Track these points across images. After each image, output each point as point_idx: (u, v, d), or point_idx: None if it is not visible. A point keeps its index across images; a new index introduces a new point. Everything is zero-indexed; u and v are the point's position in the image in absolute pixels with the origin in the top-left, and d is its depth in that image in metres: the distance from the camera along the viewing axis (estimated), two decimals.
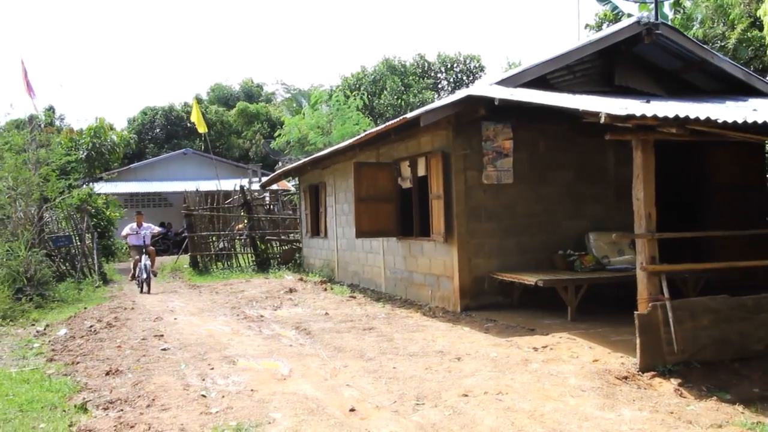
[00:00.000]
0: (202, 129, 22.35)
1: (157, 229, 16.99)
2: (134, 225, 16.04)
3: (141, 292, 14.87)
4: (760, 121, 5.91)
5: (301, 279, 15.89)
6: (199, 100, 48.16)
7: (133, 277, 15.81)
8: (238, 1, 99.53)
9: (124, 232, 16.25)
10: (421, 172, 11.35)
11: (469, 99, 8.88)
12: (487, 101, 8.91)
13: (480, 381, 5.94)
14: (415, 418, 5.03)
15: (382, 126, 10.50)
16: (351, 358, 7.23)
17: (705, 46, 10.74)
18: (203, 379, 6.61)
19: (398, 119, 9.80)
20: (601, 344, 7.32)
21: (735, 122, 5.87)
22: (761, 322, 6.71)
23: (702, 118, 5.78)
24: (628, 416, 4.78)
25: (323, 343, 8.12)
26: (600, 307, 9.48)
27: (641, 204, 6.48)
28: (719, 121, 5.84)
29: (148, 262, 15.09)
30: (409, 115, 9.30)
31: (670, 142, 6.68)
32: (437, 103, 9.66)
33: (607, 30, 10.80)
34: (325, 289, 13.92)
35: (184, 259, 21.30)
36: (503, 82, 9.29)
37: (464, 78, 38.48)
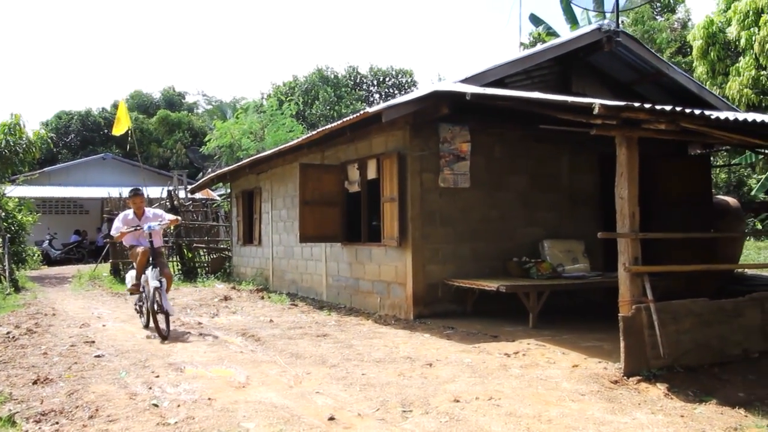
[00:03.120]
0: (125, 127, 20.71)
1: (170, 217, 9.65)
2: (130, 214, 9.39)
3: (146, 326, 9.25)
4: (750, 120, 5.76)
5: (233, 288, 15.11)
6: (117, 107, 46.35)
7: (140, 311, 9.56)
8: (159, 7, 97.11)
9: (117, 228, 9.31)
10: (371, 174, 10.91)
11: (434, 95, 8.51)
12: (451, 99, 8.58)
13: (464, 387, 5.50)
14: (407, 426, 4.53)
15: (338, 122, 10.00)
16: (312, 365, 6.66)
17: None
18: (150, 388, 5.91)
19: (358, 114, 9.32)
20: (574, 350, 7.04)
21: (726, 119, 5.70)
22: (739, 326, 6.58)
23: (696, 113, 5.57)
24: (645, 420, 4.44)
25: (277, 349, 7.51)
26: (556, 315, 9.25)
27: (625, 203, 6.23)
28: (712, 117, 5.66)
29: (162, 281, 8.74)
30: (371, 109, 8.85)
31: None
32: (400, 99, 9.24)
33: (567, 36, 10.71)
34: (262, 298, 13.23)
35: (103, 268, 20.08)
36: (467, 81, 8.99)
37: (395, 92, 38.41)
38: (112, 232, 9.38)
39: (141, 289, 9.21)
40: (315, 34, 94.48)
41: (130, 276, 9.54)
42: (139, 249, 9.04)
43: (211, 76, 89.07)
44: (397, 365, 6.52)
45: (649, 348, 6.00)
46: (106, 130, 46.20)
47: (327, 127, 10.37)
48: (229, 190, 20.68)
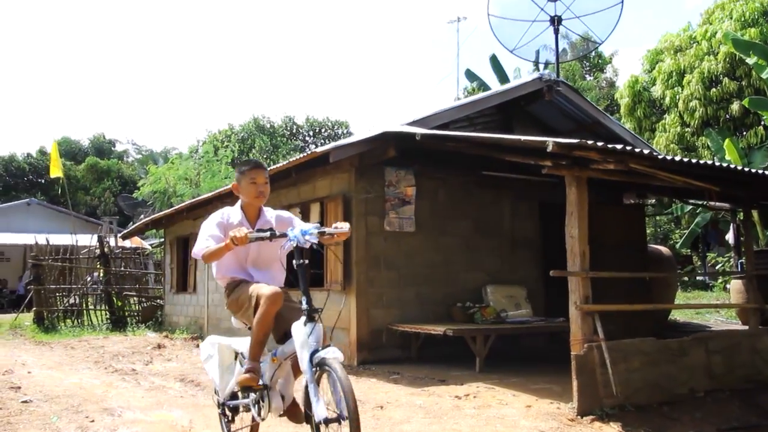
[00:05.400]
0: (56, 173, 20.43)
1: (320, 228, 4.23)
2: (234, 214, 4.50)
3: None
4: (694, 162, 5.96)
5: (166, 336, 14.55)
6: (43, 153, 45.03)
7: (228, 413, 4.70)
8: (89, 53, 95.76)
9: (209, 236, 4.31)
10: (314, 219, 10.77)
11: (383, 137, 8.53)
12: (398, 141, 8.63)
13: (420, 427, 5.36)
14: None
15: (284, 162, 9.89)
16: None
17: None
18: None
19: (306, 154, 9.25)
20: (524, 392, 6.97)
21: (672, 160, 5.88)
22: (684, 365, 6.69)
23: (645, 153, 5.72)
24: None
25: None
26: (501, 361, 9.19)
27: (575, 242, 6.31)
28: (659, 158, 5.82)
29: (334, 357, 3.79)
30: (319, 149, 8.79)
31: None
32: (348, 140, 9.25)
33: (510, 84, 10.99)
34: (197, 346, 12.75)
35: (25, 317, 19.07)
36: (413, 124, 9.05)
37: (331, 143, 38.56)
38: (196, 251, 4.35)
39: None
40: (251, 83, 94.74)
41: (213, 349, 4.66)
42: (261, 289, 4.18)
43: (143, 125, 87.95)
44: None
45: (602, 387, 6.00)
46: (31, 176, 44.80)
47: (271, 167, 10.23)
48: (161, 240, 20.19)
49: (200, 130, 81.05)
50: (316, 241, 4.15)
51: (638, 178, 6.52)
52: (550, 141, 5.61)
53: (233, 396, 4.56)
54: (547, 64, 16.09)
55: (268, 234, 4.12)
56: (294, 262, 4.11)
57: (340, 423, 3.67)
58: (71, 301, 18.00)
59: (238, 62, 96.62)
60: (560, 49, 23.68)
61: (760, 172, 6.55)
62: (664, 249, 12.98)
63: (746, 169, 6.31)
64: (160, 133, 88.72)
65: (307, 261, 4.16)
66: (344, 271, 9.69)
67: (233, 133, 34.59)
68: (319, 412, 3.72)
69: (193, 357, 10.93)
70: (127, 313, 18.18)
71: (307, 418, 4.00)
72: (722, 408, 6.54)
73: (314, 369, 3.83)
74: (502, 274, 10.80)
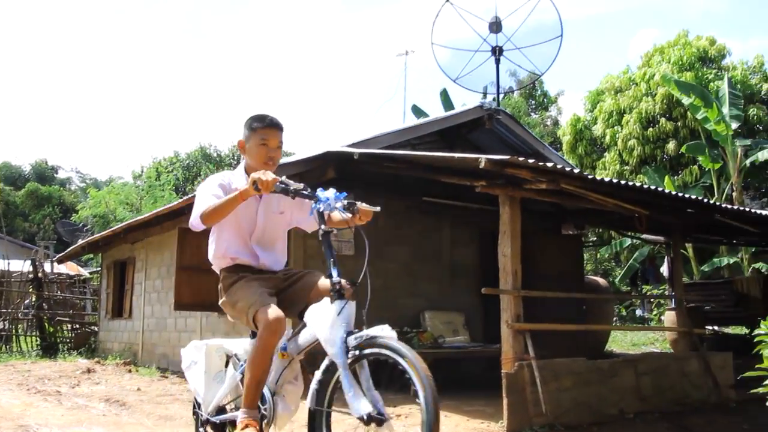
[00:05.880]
0: None
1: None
2: (235, 177, 3.71)
3: None
4: (623, 183, 6.10)
5: (98, 362, 14.06)
6: None
7: None
8: (34, 77, 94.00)
9: (211, 194, 3.51)
10: None
11: (325, 157, 8.52)
12: (338, 162, 8.62)
13: None
14: None
15: None
16: (184, 426, 6.19)
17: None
18: None
19: None
20: (456, 413, 6.93)
21: (602, 180, 6.00)
22: (614, 386, 6.75)
23: (575, 172, 5.83)
24: None
25: (144, 413, 6.97)
26: (437, 386, 9.14)
27: (508, 260, 6.36)
28: (589, 178, 5.94)
29: (391, 336, 3.29)
30: None
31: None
32: (287, 159, 9.19)
33: (451, 111, 11.14)
34: (130, 371, 12.37)
35: None
36: (354, 146, 9.07)
37: None
38: (195, 214, 3.49)
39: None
40: (199, 113, 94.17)
41: (199, 353, 3.96)
42: (262, 312, 3.46)
43: (88, 153, 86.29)
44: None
45: (532, 405, 6.00)
46: None
47: None
48: (99, 268, 19.75)
49: (146, 158, 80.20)
50: (342, 213, 3.62)
51: (571, 200, 6.63)
52: (483, 157, 5.68)
53: (220, 410, 3.80)
54: (494, 98, 16.51)
55: (300, 186, 3.43)
56: (321, 227, 3.56)
57: (381, 424, 3.11)
58: (0, 326, 17.34)
59: (186, 91, 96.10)
60: (507, 87, 24.24)
61: (686, 196, 6.75)
62: (601, 280, 13.21)
63: (671, 192, 6.49)
64: (105, 161, 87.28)
65: (335, 230, 3.63)
66: None
67: (178, 160, 34.19)
68: (362, 407, 3.13)
69: (124, 381, 10.59)
70: (59, 340, 17.56)
71: (311, 422, 3.37)
72: (651, 429, 6.60)
73: (351, 353, 3.22)
74: (441, 301, 10.80)
